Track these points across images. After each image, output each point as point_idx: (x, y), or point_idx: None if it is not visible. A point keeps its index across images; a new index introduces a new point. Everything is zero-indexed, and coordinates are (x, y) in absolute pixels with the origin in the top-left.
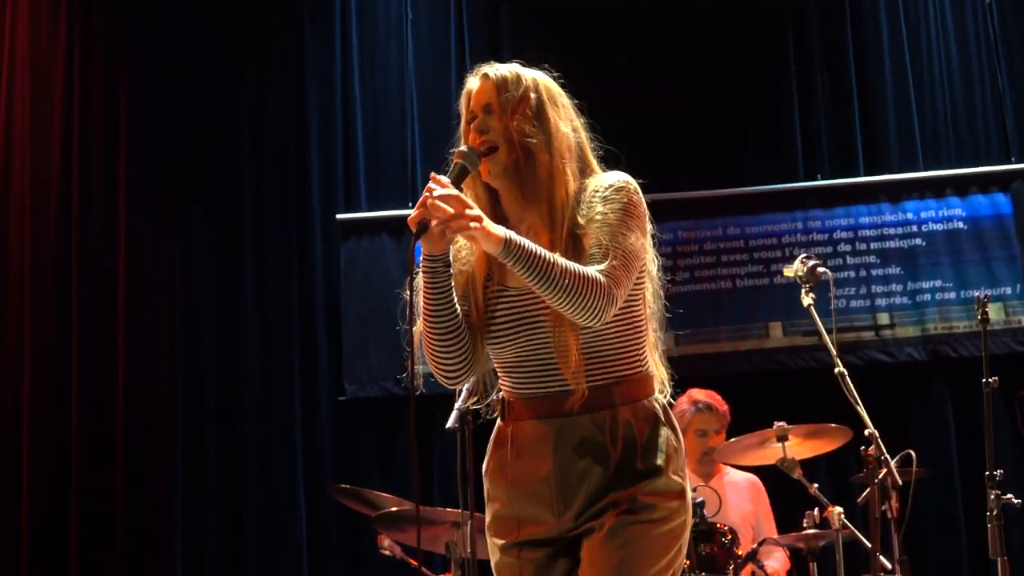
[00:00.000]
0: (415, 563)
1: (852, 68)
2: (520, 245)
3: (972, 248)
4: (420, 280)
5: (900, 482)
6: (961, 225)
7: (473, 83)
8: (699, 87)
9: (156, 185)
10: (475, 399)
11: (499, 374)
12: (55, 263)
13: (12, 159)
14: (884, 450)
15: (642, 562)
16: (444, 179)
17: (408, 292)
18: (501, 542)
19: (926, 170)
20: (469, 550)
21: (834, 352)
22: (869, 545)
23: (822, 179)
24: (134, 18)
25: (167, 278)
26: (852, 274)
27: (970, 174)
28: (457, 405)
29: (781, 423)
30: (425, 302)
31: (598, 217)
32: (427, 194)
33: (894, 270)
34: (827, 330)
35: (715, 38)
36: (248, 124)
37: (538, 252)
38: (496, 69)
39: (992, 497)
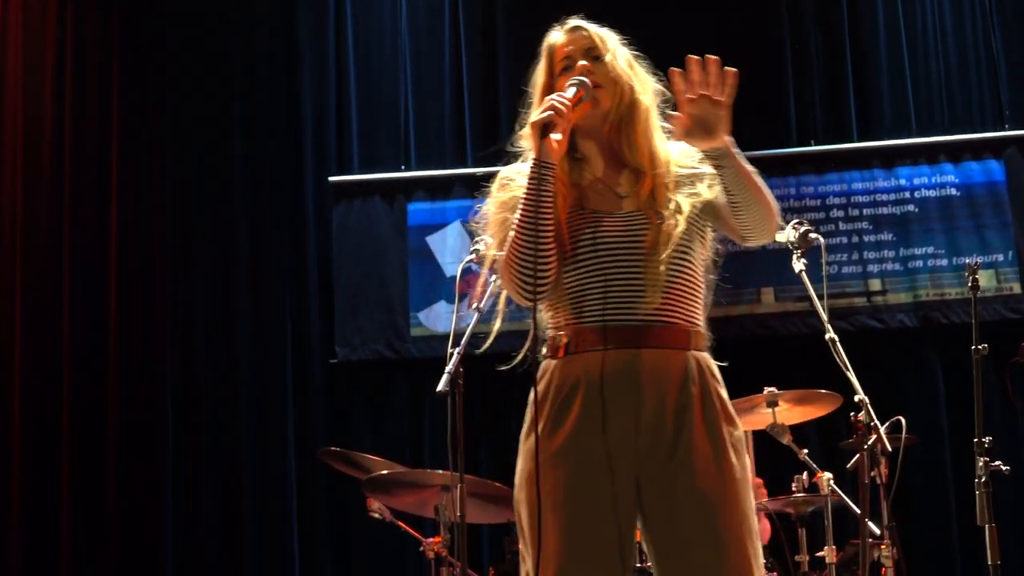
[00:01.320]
0: (404, 525)
1: (846, 33)
2: (735, 149)
3: (964, 215)
4: (499, 193)
5: (890, 448)
6: (954, 192)
7: (558, 36)
8: (692, 52)
9: (148, 145)
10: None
11: (566, 306)
12: (47, 227)
13: (5, 110)
14: (874, 416)
15: (738, 522)
16: (566, 95)
17: (537, 187)
18: (569, 484)
19: (919, 136)
20: (459, 513)
21: (825, 318)
22: (858, 511)
23: (815, 144)
24: None
25: (159, 240)
26: (844, 240)
27: (963, 140)
28: (448, 368)
29: (771, 388)
30: (529, 209)
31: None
32: (554, 98)
33: (886, 236)
34: (818, 296)
35: (709, 3)
36: (240, 86)
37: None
38: (589, 23)
39: (981, 464)
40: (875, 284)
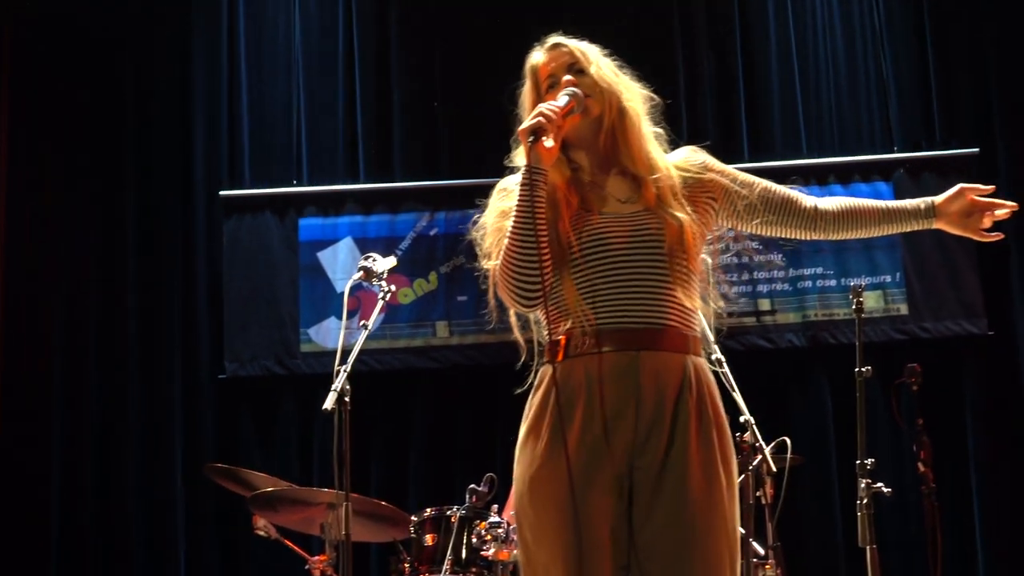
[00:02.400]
0: (290, 543)
1: (738, 54)
2: None
3: None
4: (494, 202)
5: (775, 468)
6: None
7: (539, 56)
8: None
9: (38, 157)
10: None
11: (564, 309)
12: None
13: None
14: (759, 436)
15: (718, 532)
16: (558, 103)
17: (530, 194)
18: (574, 484)
19: (809, 157)
20: (344, 532)
21: (711, 338)
22: (743, 531)
23: None
24: None
25: (49, 250)
26: (734, 259)
27: (853, 162)
28: (334, 386)
29: None
30: (522, 217)
31: (738, 175)
32: (544, 106)
33: (776, 256)
34: (706, 315)
35: (601, 22)
36: (132, 99)
37: None
38: (567, 38)
39: (863, 486)
40: (764, 304)
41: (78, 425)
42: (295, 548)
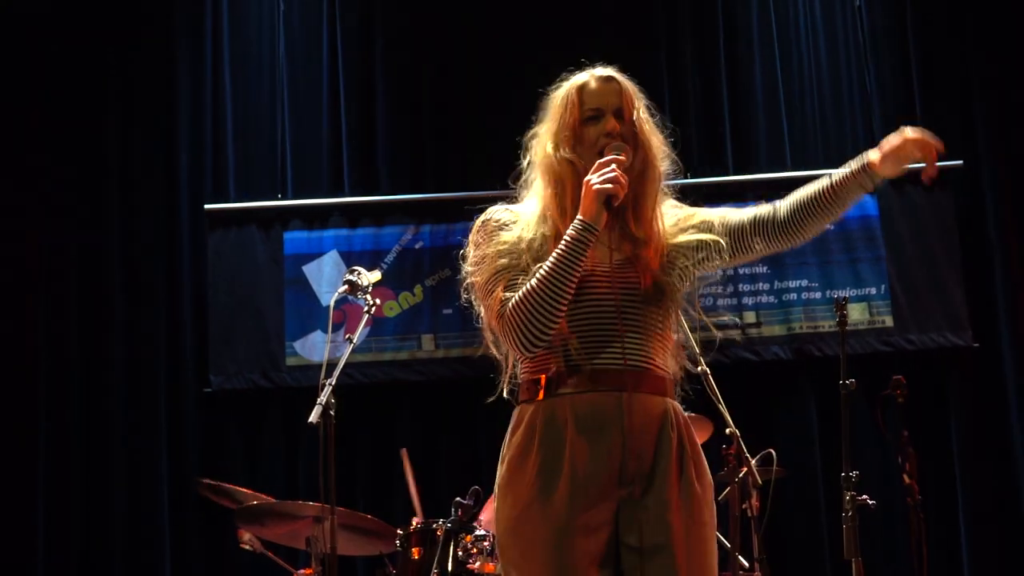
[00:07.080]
0: (275, 557)
1: (722, 67)
2: None
3: (838, 248)
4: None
5: (760, 481)
6: (828, 225)
7: (589, 81)
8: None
9: (22, 170)
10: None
11: (549, 350)
12: None
13: None
14: (744, 449)
15: (698, 569)
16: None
17: (581, 250)
18: (561, 525)
19: (794, 170)
20: (330, 545)
21: (697, 351)
22: (728, 544)
23: (691, 177)
24: None
25: (33, 267)
26: (719, 272)
27: None
28: (320, 400)
29: None
30: (568, 269)
31: (711, 212)
32: (618, 175)
33: (761, 269)
34: (691, 328)
35: (585, 33)
36: (116, 113)
37: None
38: (619, 75)
39: (847, 498)
40: (750, 316)
41: (63, 439)
42: (281, 562)
